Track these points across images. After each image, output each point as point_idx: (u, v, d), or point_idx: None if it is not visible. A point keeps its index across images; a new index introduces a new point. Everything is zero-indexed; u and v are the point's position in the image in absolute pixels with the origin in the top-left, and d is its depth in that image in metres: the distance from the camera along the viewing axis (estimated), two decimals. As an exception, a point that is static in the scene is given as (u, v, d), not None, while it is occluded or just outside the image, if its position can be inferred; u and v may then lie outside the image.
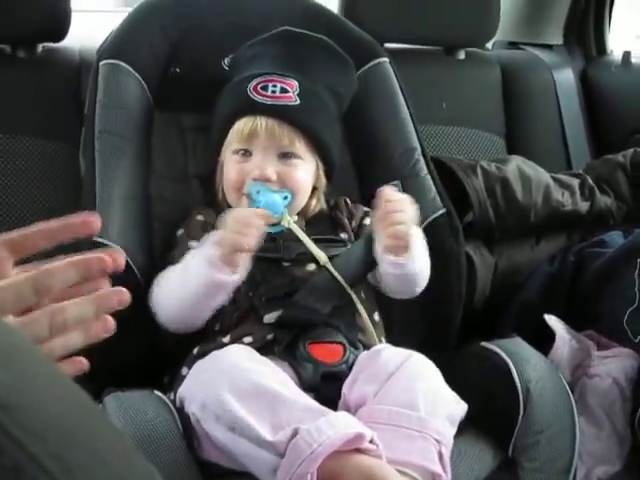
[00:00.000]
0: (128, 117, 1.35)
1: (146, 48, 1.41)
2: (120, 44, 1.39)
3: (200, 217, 1.30)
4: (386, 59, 1.52)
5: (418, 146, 1.46)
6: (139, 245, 1.28)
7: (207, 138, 1.43)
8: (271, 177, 1.24)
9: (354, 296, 1.22)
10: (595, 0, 2.12)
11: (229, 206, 1.29)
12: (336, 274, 1.21)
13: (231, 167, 1.28)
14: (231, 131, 1.28)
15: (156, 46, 1.42)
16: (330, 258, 1.23)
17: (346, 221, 1.34)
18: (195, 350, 1.20)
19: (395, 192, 1.23)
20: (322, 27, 1.46)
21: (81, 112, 1.43)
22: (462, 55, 1.95)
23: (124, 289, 0.62)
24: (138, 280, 1.21)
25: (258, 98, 1.26)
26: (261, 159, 1.25)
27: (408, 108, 1.49)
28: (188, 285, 1.15)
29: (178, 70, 1.44)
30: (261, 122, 1.25)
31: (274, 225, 1.22)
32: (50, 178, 1.55)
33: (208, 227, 1.25)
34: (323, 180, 1.34)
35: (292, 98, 1.27)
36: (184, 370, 1.18)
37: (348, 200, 1.38)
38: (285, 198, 1.24)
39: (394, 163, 1.45)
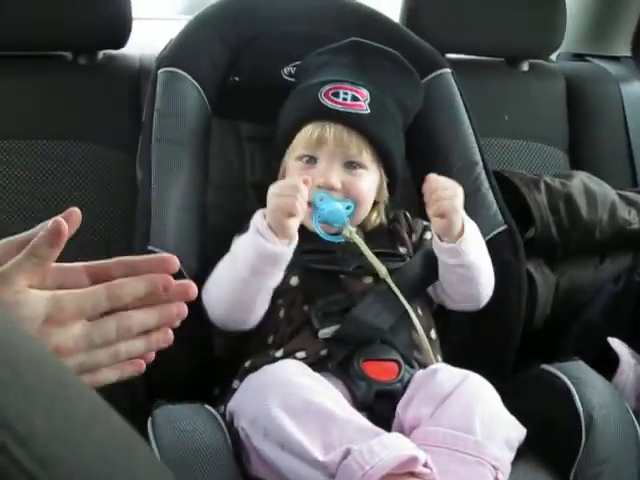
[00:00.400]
0: (185, 125, 1.34)
1: (205, 56, 1.40)
2: (179, 52, 1.39)
3: None
4: (448, 70, 1.49)
5: (480, 160, 1.43)
6: (194, 256, 1.26)
7: (265, 148, 1.42)
8: (336, 185, 1.23)
9: (411, 312, 1.19)
10: (666, 11, 2.05)
11: None
12: (395, 288, 1.19)
13: (294, 173, 1.26)
14: (297, 136, 1.27)
15: (215, 54, 1.41)
16: (389, 272, 1.21)
17: (405, 235, 1.32)
18: (247, 363, 1.18)
19: (441, 177, 1.21)
20: (383, 36, 1.44)
21: (139, 120, 1.44)
22: (525, 67, 1.91)
23: (183, 304, 0.69)
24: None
25: (329, 104, 1.25)
26: (327, 166, 1.23)
27: (470, 120, 1.46)
28: (238, 266, 1.14)
29: (237, 79, 1.43)
30: (330, 129, 1.23)
31: (336, 234, 1.21)
32: (108, 185, 1.55)
33: None
34: (386, 193, 1.32)
35: (363, 107, 1.26)
36: (235, 383, 1.16)
37: (408, 214, 1.36)
38: (348, 208, 1.23)
39: (454, 177, 1.40)
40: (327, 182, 1.22)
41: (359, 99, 1.26)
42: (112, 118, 1.59)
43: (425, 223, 1.33)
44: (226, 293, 1.17)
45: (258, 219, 1.13)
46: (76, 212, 0.68)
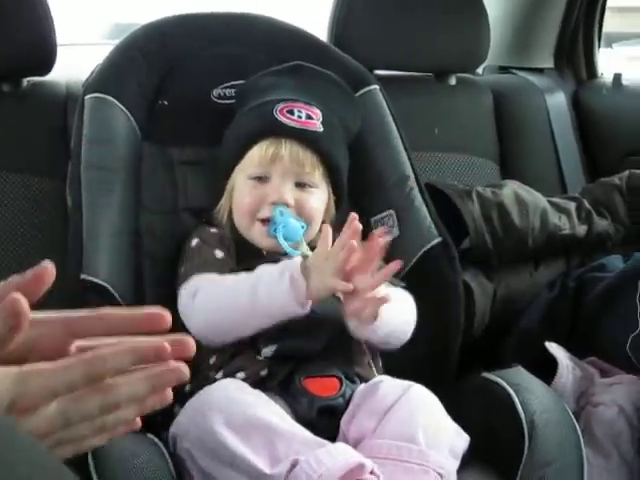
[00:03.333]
0: (115, 151, 1.32)
1: (132, 81, 1.39)
2: (106, 78, 1.37)
3: (214, 230, 1.28)
4: (376, 86, 1.50)
5: (412, 174, 1.44)
6: (128, 282, 1.25)
7: (197, 171, 1.41)
8: (290, 202, 1.22)
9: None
10: (584, 23, 2.11)
11: (234, 231, 1.28)
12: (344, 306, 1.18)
13: (245, 191, 1.25)
14: (250, 153, 1.26)
15: (142, 79, 1.40)
16: None
17: None
18: (187, 387, 1.16)
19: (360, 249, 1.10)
20: (311, 54, 1.45)
21: (68, 147, 1.41)
22: (453, 81, 1.94)
23: (184, 366, 0.59)
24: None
25: (285, 121, 1.24)
26: (280, 183, 1.23)
27: (400, 135, 1.47)
28: (255, 302, 1.11)
29: (166, 102, 1.42)
30: (286, 145, 1.23)
31: (289, 250, 1.21)
32: (37, 215, 1.52)
33: (225, 241, 1.25)
34: (332, 211, 1.32)
35: (317, 125, 1.26)
36: (176, 407, 1.14)
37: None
38: (302, 227, 1.23)
39: (387, 192, 1.42)
40: (282, 198, 1.22)
41: (313, 118, 1.27)
42: (39, 146, 1.56)
43: None
44: (226, 318, 1.15)
45: (297, 274, 1.09)
46: (47, 270, 0.57)
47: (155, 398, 0.59)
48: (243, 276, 1.16)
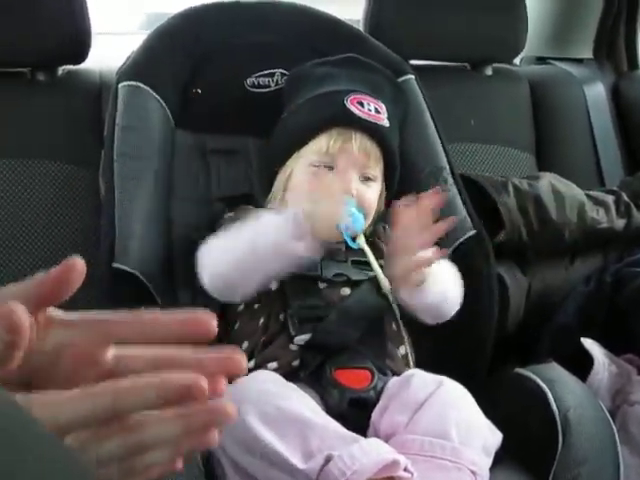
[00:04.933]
0: (148, 139, 1.32)
1: (166, 69, 1.38)
2: (140, 66, 1.37)
3: (252, 207, 1.28)
4: (412, 76, 1.49)
5: (447, 165, 1.43)
6: (160, 270, 1.24)
7: (230, 160, 1.41)
8: (354, 192, 1.21)
9: (396, 308, 1.21)
10: (626, 13, 2.07)
11: None
12: (391, 298, 1.19)
13: (306, 179, 1.23)
14: (315, 141, 1.23)
15: (176, 67, 1.40)
16: (363, 282, 1.21)
17: (384, 247, 1.30)
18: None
19: (410, 211, 1.14)
20: (346, 44, 1.43)
21: (102, 135, 1.41)
22: (489, 71, 1.92)
23: (226, 405, 0.51)
24: (158, 306, 1.18)
25: (357, 112, 1.23)
26: (346, 173, 1.21)
27: (436, 126, 1.46)
28: (256, 252, 1.11)
29: (199, 91, 1.42)
30: (356, 137, 1.22)
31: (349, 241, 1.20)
32: (71, 202, 1.53)
33: None
34: (382, 206, 1.31)
35: (384, 120, 1.26)
36: (208, 394, 1.14)
37: (387, 227, 1.34)
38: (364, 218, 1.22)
39: (422, 183, 1.41)
40: (347, 188, 1.20)
41: (380, 112, 1.26)
42: (74, 134, 1.56)
43: None
44: (232, 268, 1.14)
45: (297, 220, 1.10)
46: (75, 267, 0.47)
47: (193, 440, 0.49)
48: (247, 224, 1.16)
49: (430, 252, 1.11)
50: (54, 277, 0.47)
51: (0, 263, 1.48)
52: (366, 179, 1.24)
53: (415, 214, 1.11)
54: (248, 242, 1.12)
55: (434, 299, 1.18)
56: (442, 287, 1.19)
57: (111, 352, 0.48)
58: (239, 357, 0.50)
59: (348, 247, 1.22)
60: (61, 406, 0.45)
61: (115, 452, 0.47)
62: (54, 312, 0.49)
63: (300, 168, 1.25)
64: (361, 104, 1.24)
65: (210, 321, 0.49)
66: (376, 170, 1.25)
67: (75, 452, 0.45)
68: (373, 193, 1.25)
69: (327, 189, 1.20)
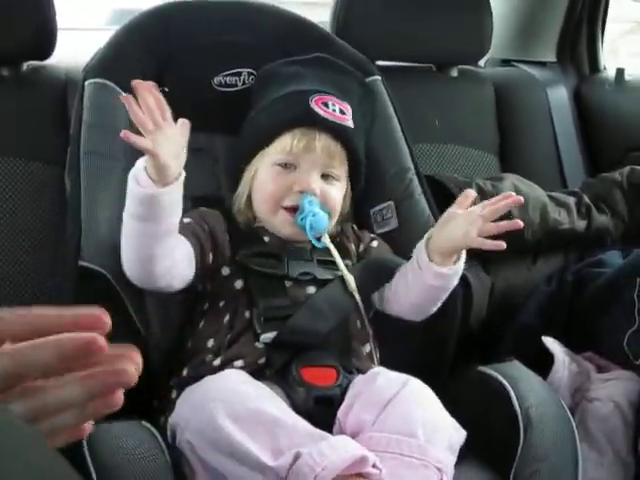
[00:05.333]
0: (115, 137, 1.30)
1: (133, 67, 1.37)
2: (106, 63, 1.36)
3: (204, 208, 1.27)
4: (378, 77, 1.50)
5: (412, 166, 1.44)
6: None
7: (198, 158, 1.40)
8: (317, 192, 1.22)
9: (361, 307, 1.22)
10: (587, 17, 2.11)
11: (253, 217, 1.28)
12: (357, 296, 1.20)
13: (270, 178, 1.24)
14: (279, 140, 1.24)
15: (144, 65, 1.39)
16: (329, 281, 1.22)
17: (352, 247, 1.31)
18: (184, 372, 1.17)
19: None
20: (315, 44, 1.44)
21: (67, 132, 1.40)
22: (455, 72, 1.93)
23: (129, 368, 0.49)
24: (124, 304, 1.17)
25: (321, 112, 1.24)
26: (308, 173, 1.23)
27: (401, 127, 1.47)
28: (127, 217, 1.10)
29: (167, 89, 1.41)
30: (320, 137, 1.23)
31: (313, 240, 1.22)
32: (35, 200, 1.51)
33: (211, 217, 1.24)
34: (346, 205, 1.32)
35: (348, 120, 1.27)
36: (174, 393, 1.14)
37: (355, 227, 1.36)
38: (328, 218, 1.23)
39: (387, 184, 1.42)
40: (310, 188, 1.22)
41: (345, 113, 1.27)
42: (39, 131, 1.54)
43: (372, 235, 1.35)
44: (128, 246, 1.12)
45: (137, 165, 1.08)
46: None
47: (98, 403, 0.49)
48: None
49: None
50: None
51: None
52: (330, 179, 1.25)
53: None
54: (126, 223, 1.11)
55: (453, 284, 1.22)
56: (453, 281, 1.23)
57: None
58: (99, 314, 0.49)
59: (314, 246, 1.23)
60: None
61: (19, 416, 0.47)
62: None
63: (265, 167, 1.26)
64: (326, 105, 1.25)
65: (102, 315, 0.49)
66: (340, 170, 1.26)
67: (60, 456, 0.46)
68: (337, 193, 1.26)
69: (289, 188, 1.22)
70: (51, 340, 0.46)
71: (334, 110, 1.25)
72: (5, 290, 1.45)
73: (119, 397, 0.50)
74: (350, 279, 1.20)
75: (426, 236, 1.22)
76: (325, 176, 1.25)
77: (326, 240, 1.21)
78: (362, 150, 1.31)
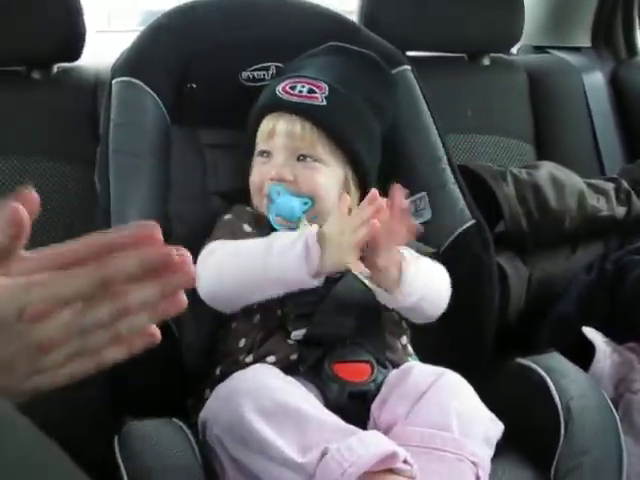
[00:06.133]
0: (143, 135, 1.31)
1: (160, 65, 1.38)
2: (133, 61, 1.36)
3: (249, 209, 1.27)
4: (408, 67, 1.48)
5: (444, 155, 1.41)
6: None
7: (227, 154, 1.40)
8: (286, 177, 1.20)
9: (378, 296, 1.16)
10: (623, 0, 2.06)
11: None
12: (367, 282, 1.16)
13: (255, 169, 1.26)
14: (257, 132, 1.26)
15: (170, 62, 1.39)
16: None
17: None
18: (217, 371, 1.16)
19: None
20: (341, 36, 1.42)
21: (97, 132, 1.41)
22: (487, 61, 1.91)
23: (189, 269, 0.58)
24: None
25: (284, 96, 1.24)
26: (279, 159, 1.22)
27: (432, 116, 1.45)
28: (266, 267, 1.09)
29: (194, 86, 1.41)
30: (283, 120, 1.22)
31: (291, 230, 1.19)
32: (66, 199, 1.53)
33: (259, 220, 1.24)
34: (356, 194, 1.28)
35: (318, 99, 1.24)
36: (207, 392, 1.14)
37: None
38: (305, 204, 1.20)
39: (419, 174, 1.40)
40: (278, 174, 1.21)
41: (316, 92, 1.24)
42: (69, 132, 1.56)
43: None
44: (235, 281, 1.13)
45: (312, 242, 1.07)
46: (29, 195, 0.57)
47: (168, 303, 0.58)
48: (259, 241, 1.15)
49: (405, 250, 1.11)
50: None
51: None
52: (308, 161, 1.22)
53: (390, 208, 1.07)
54: (259, 264, 1.11)
55: (414, 299, 1.14)
56: (422, 288, 1.15)
57: None
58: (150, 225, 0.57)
59: None
60: (58, 280, 0.55)
61: (103, 318, 0.56)
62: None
63: (254, 159, 1.27)
64: (293, 87, 1.24)
65: (153, 228, 0.57)
66: (316, 150, 1.22)
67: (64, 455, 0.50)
68: (319, 175, 1.22)
69: (266, 177, 1.22)
70: (134, 253, 0.56)
71: (301, 91, 1.23)
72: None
73: (184, 299, 0.58)
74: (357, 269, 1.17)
75: None
76: (303, 158, 1.22)
77: (303, 228, 1.17)
78: (352, 129, 1.26)
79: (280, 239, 1.12)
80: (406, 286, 1.11)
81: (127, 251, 0.56)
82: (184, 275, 0.57)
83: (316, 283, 1.10)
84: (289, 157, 1.22)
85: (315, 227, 1.14)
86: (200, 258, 1.16)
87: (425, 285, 1.15)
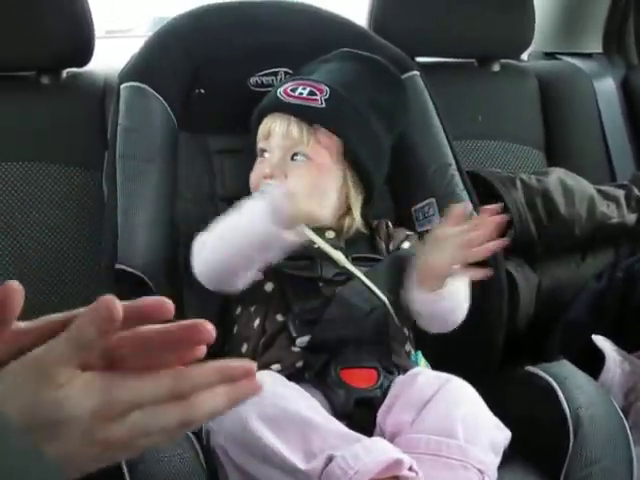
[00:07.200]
0: (150, 140, 1.31)
1: (168, 70, 1.38)
2: (141, 66, 1.36)
3: None
4: (417, 72, 1.47)
5: (453, 162, 1.41)
6: (164, 272, 1.23)
7: (234, 159, 1.40)
8: (277, 174, 1.21)
9: (387, 303, 1.16)
10: (635, 5, 2.05)
11: None
12: (367, 281, 1.16)
13: (254, 168, 1.28)
14: (258, 134, 1.28)
15: (178, 67, 1.39)
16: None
17: (382, 244, 1.28)
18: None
19: (464, 215, 1.14)
20: (350, 41, 1.42)
21: (106, 137, 1.41)
22: (497, 67, 1.89)
23: (256, 381, 0.58)
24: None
25: (284, 98, 1.25)
26: (274, 159, 1.23)
27: (441, 123, 1.44)
28: (244, 242, 1.09)
29: (203, 91, 1.41)
30: (281, 121, 1.24)
31: None
32: (75, 204, 1.52)
33: None
34: (356, 197, 1.28)
35: (318, 101, 1.24)
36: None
37: (390, 223, 1.32)
38: None
39: (428, 180, 1.39)
40: (271, 172, 1.22)
41: (316, 94, 1.24)
42: (78, 137, 1.56)
43: (407, 232, 1.31)
44: (222, 259, 1.12)
45: (279, 203, 1.07)
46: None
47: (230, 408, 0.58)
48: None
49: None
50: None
51: (7, 264, 1.48)
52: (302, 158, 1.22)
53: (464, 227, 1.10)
54: (231, 227, 1.11)
55: (446, 307, 1.16)
56: (456, 300, 1.17)
57: None
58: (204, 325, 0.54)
59: (346, 243, 1.21)
60: (140, 384, 0.53)
61: (170, 425, 0.54)
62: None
63: (257, 160, 1.28)
64: (294, 90, 1.25)
65: (205, 327, 0.54)
66: (311, 149, 1.23)
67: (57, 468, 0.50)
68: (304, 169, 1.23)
69: (260, 177, 1.24)
70: (215, 367, 0.55)
71: (301, 93, 1.24)
72: (42, 293, 1.46)
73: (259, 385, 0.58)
74: (339, 257, 1.16)
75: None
76: (297, 156, 1.23)
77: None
78: (351, 131, 1.25)
79: (248, 200, 1.13)
80: (445, 293, 1.13)
81: (207, 363, 0.55)
82: (251, 387, 0.57)
83: (285, 236, 1.06)
84: (285, 156, 1.22)
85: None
86: (194, 247, 1.16)
87: (458, 295, 1.17)
